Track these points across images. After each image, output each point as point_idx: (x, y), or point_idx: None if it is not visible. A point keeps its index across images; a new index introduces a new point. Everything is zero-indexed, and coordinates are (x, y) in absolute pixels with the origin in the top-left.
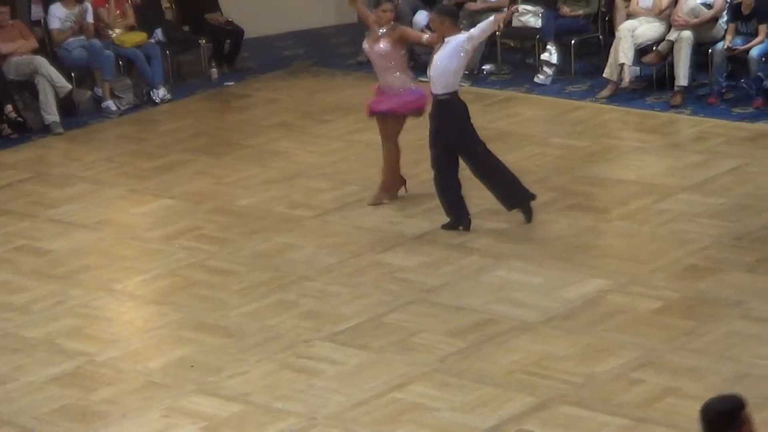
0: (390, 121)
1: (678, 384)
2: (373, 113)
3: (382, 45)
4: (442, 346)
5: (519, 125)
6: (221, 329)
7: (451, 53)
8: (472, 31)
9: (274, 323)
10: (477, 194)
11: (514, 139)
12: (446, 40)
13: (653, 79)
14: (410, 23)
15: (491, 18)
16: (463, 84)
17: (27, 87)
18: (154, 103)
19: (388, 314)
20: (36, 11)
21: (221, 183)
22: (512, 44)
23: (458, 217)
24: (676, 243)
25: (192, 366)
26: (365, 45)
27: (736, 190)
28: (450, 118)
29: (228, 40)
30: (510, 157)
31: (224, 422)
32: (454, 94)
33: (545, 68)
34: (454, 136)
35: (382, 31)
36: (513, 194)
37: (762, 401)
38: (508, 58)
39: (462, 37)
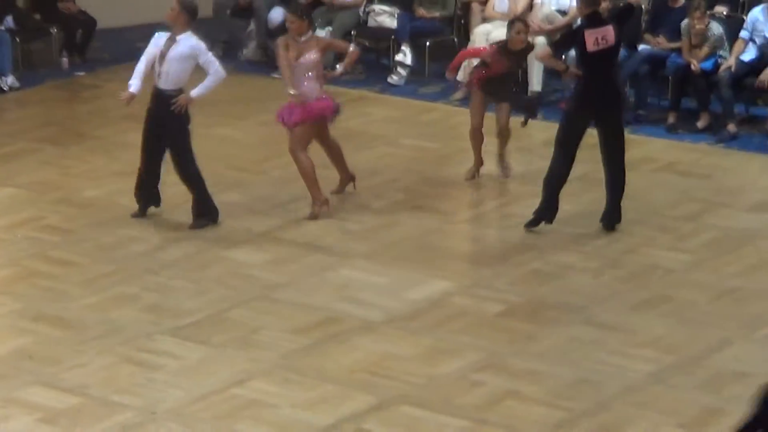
0: (299, 131)
1: (517, 387)
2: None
3: (309, 55)
4: (284, 343)
5: (370, 125)
6: (61, 321)
7: (184, 57)
8: (206, 62)
9: (116, 316)
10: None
11: (364, 139)
12: (177, 38)
13: None
14: (265, 20)
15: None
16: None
17: None
18: (2, 91)
19: (230, 310)
20: None
21: (68, 174)
22: (367, 44)
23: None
24: (522, 247)
25: (30, 357)
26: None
27: (584, 196)
28: (174, 115)
29: (80, 30)
30: (360, 157)
31: (61, 414)
32: (181, 91)
33: (399, 69)
34: (174, 132)
35: (303, 39)
36: (206, 207)
37: (598, 406)
38: (361, 57)
39: (194, 44)
